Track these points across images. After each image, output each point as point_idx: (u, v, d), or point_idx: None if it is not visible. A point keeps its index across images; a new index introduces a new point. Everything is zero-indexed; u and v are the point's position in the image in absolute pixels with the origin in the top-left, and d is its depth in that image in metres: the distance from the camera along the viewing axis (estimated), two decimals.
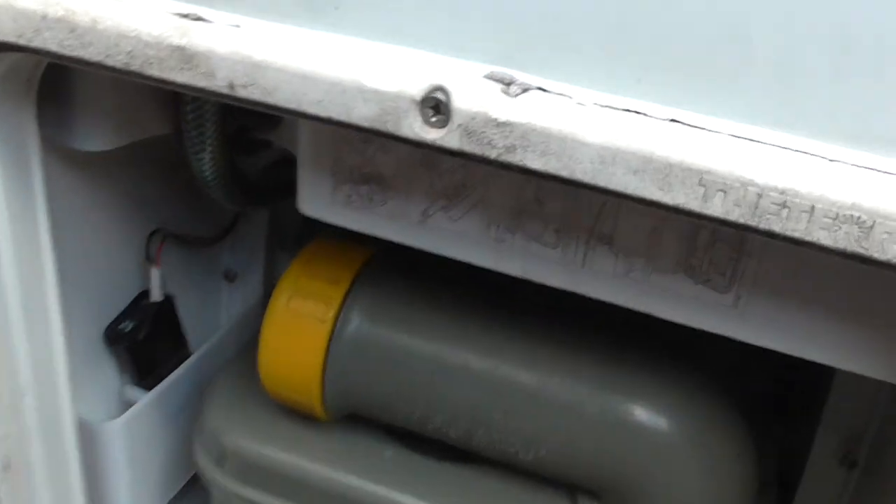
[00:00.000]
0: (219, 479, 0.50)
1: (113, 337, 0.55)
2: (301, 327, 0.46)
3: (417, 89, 0.29)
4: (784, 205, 0.27)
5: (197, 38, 0.31)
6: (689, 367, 0.44)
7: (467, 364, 0.44)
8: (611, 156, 0.28)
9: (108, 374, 0.56)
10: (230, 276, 0.64)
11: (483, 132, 0.29)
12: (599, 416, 0.43)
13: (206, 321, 0.63)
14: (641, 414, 0.42)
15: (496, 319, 0.45)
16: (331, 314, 0.45)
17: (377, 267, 0.48)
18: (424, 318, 0.46)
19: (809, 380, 0.56)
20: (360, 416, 0.50)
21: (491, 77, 0.29)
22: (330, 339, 0.46)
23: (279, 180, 0.53)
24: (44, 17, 0.32)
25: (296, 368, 0.46)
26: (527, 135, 0.29)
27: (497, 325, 0.45)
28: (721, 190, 0.27)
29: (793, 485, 0.54)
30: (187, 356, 0.58)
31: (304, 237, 0.52)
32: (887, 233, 0.26)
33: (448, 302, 0.46)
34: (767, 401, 0.54)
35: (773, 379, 0.56)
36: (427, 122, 0.30)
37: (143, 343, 0.55)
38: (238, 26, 0.31)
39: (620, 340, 0.44)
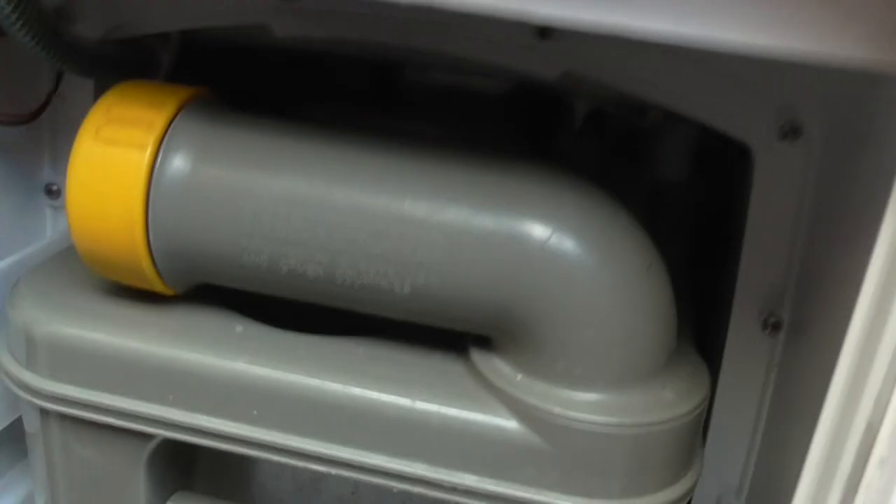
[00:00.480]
0: (29, 383, 0.40)
1: None
2: (116, 160, 0.37)
3: None
4: None
5: None
6: (589, 186, 0.37)
7: (321, 187, 0.36)
8: None
9: None
10: (52, 192, 0.54)
11: None
12: (486, 234, 0.35)
13: (28, 245, 0.52)
14: (538, 228, 0.35)
15: (352, 141, 0.38)
16: (152, 138, 0.37)
17: (205, 99, 0.40)
18: (264, 143, 0.38)
19: (720, 249, 0.51)
20: (204, 292, 0.41)
21: None
22: (151, 174, 0.37)
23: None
24: None
25: (113, 215, 0.37)
26: None
27: (352, 147, 0.38)
28: None
29: (716, 356, 0.48)
30: None
31: None
32: None
33: (291, 129, 0.38)
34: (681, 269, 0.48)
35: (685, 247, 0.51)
36: None
37: None
38: None
39: (506, 157, 0.38)
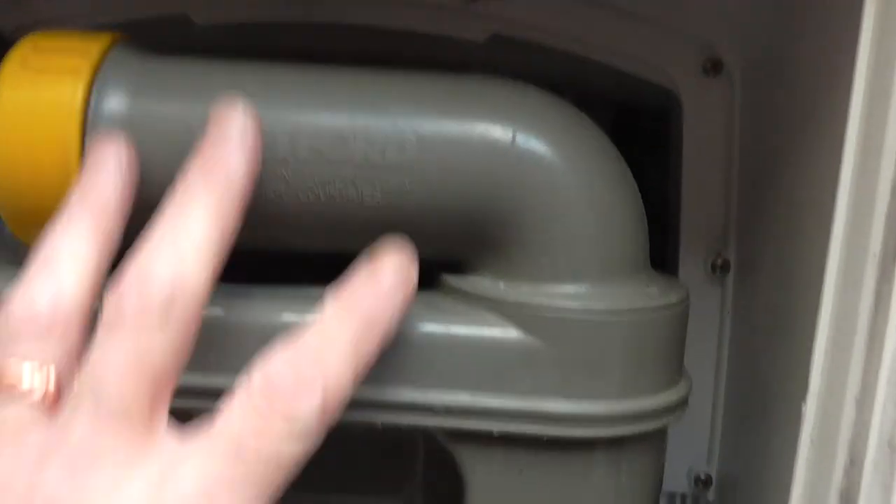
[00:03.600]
0: None
1: None
2: (47, 89, 0.34)
3: None
4: None
5: None
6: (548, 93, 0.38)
7: (276, 98, 0.35)
8: None
9: None
10: None
11: None
12: (456, 134, 0.34)
13: None
14: (504, 127, 0.35)
15: (301, 63, 0.37)
16: (87, 65, 0.34)
17: (132, 44, 0.38)
18: (209, 67, 0.36)
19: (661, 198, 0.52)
20: None
21: None
22: (87, 107, 0.34)
23: None
24: None
25: (44, 154, 0.33)
26: None
27: (303, 66, 0.36)
28: None
29: None
30: None
31: None
32: None
33: (235, 58, 0.37)
34: None
35: None
36: None
37: None
38: None
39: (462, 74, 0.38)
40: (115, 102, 0.34)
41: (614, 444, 0.36)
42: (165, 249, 0.27)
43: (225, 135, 0.30)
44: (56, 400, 0.27)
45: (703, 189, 0.47)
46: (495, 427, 0.35)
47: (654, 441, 0.38)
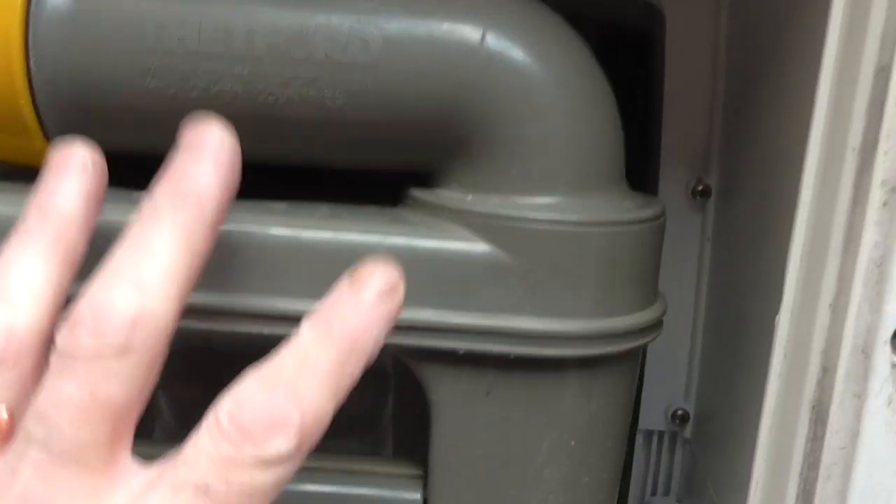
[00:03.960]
0: None
1: None
2: None
3: None
4: None
5: None
6: None
7: None
8: None
9: None
10: None
11: None
12: (423, 34, 0.32)
13: None
14: (473, 27, 0.33)
15: None
16: None
17: None
18: None
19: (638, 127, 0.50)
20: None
21: None
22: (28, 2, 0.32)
23: None
24: None
25: None
26: None
27: None
28: None
29: None
30: None
31: None
32: None
33: None
34: None
35: None
36: None
37: None
38: None
39: None
40: None
41: (586, 364, 0.35)
42: (126, 275, 0.24)
43: (198, 150, 0.26)
44: (9, 433, 0.24)
45: (686, 111, 0.46)
46: (461, 345, 0.33)
47: (628, 364, 0.37)
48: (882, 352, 0.24)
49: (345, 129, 0.33)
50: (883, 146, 0.23)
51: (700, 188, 0.46)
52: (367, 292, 0.26)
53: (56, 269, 0.26)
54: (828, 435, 0.25)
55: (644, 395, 0.52)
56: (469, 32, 0.32)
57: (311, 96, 0.32)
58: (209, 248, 0.26)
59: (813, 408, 0.26)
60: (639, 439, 0.52)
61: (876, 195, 0.23)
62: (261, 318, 0.33)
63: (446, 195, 0.34)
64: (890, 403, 0.24)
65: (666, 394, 0.51)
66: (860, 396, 0.25)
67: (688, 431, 0.51)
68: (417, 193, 0.35)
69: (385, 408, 0.46)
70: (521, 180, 0.33)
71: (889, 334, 0.24)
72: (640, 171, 0.48)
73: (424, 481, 0.37)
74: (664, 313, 0.37)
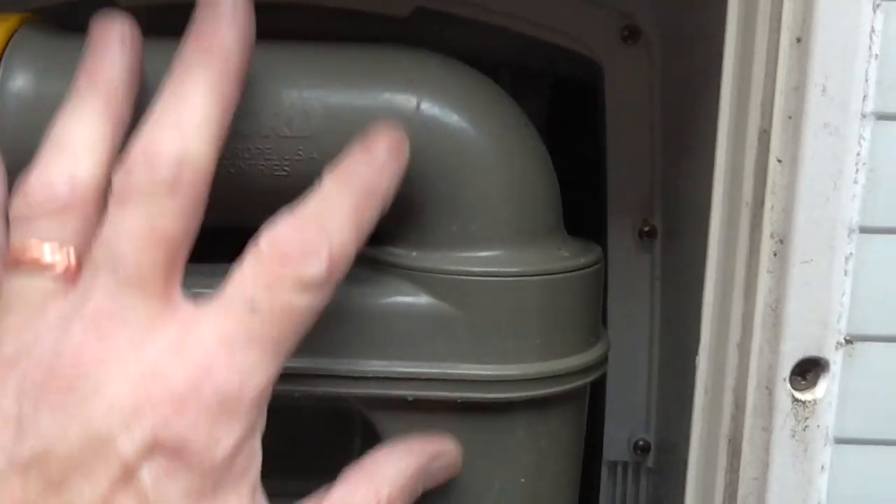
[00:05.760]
0: None
1: None
2: None
3: None
4: None
5: None
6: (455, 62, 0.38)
7: None
8: None
9: None
10: None
11: None
12: (362, 105, 0.35)
13: None
14: (408, 96, 0.35)
15: None
16: None
17: (40, 22, 0.38)
18: None
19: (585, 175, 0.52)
20: None
21: None
22: None
23: None
24: None
25: None
26: None
27: None
28: None
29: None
30: None
31: None
32: None
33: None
34: None
35: None
36: None
37: None
38: None
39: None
40: (20, 82, 0.34)
41: (533, 406, 0.37)
42: (169, 124, 0.27)
43: (217, 11, 0.29)
44: (77, 273, 0.27)
45: (628, 157, 0.48)
46: (410, 393, 0.35)
47: (574, 403, 0.39)
48: (782, 388, 0.26)
49: (292, 196, 0.35)
50: (769, 202, 0.25)
51: (646, 229, 0.48)
52: (377, 150, 0.30)
53: (109, 127, 0.29)
54: (742, 466, 0.27)
55: (607, 426, 0.54)
56: (405, 101, 0.35)
57: (258, 167, 0.35)
58: (237, 96, 0.30)
59: (729, 441, 0.28)
60: (604, 471, 0.54)
61: (766, 245, 0.25)
62: None
63: (391, 252, 0.37)
64: (794, 436, 0.26)
65: (628, 424, 0.53)
66: (767, 430, 0.27)
67: (650, 461, 0.52)
68: (365, 251, 0.37)
69: (352, 450, 0.47)
70: (461, 236, 0.35)
71: (787, 372, 0.26)
72: (591, 213, 0.51)
73: None
74: (607, 352, 0.39)
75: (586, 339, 0.38)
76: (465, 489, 0.37)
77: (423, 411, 0.36)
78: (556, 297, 0.36)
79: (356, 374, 0.35)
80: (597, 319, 0.39)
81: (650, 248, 0.49)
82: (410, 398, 0.35)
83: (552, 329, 0.36)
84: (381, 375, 0.35)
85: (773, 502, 0.27)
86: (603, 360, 0.39)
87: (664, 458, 0.51)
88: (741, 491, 0.27)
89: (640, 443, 0.53)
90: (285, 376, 0.34)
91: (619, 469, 0.54)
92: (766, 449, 0.27)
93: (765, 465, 0.27)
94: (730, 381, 0.27)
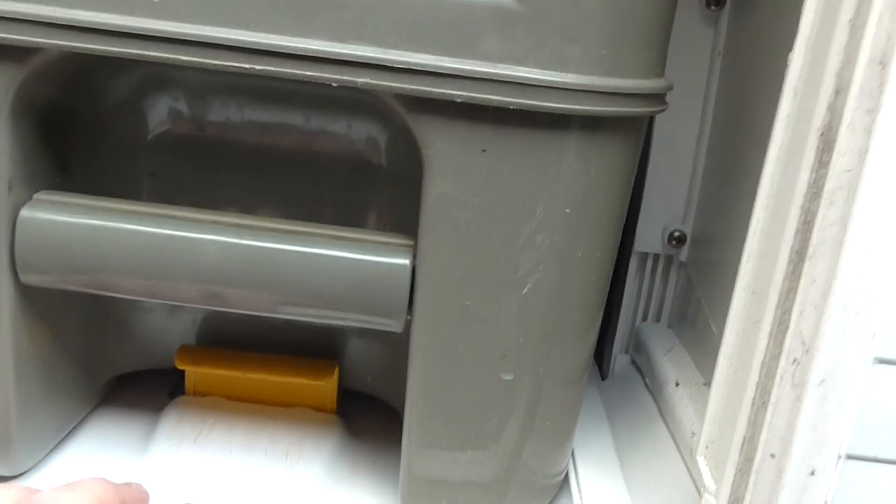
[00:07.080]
0: None
1: None
2: None
3: None
4: None
5: None
6: None
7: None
8: None
9: None
10: None
11: None
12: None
13: None
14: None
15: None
16: None
17: None
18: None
19: None
20: None
21: None
22: None
23: None
24: None
25: None
26: None
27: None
28: None
29: None
30: None
31: None
32: None
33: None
34: None
35: None
36: None
37: None
38: None
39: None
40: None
41: (587, 126, 0.33)
42: None
43: None
44: None
45: None
46: (459, 92, 0.32)
47: (630, 136, 0.35)
48: None
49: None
50: None
51: None
52: None
53: None
54: (834, 159, 0.25)
55: (641, 216, 0.51)
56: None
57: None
58: None
59: (822, 136, 0.25)
60: (633, 262, 0.51)
61: None
62: (234, 51, 0.32)
63: None
64: None
65: (664, 216, 0.50)
66: (873, 112, 0.24)
67: (683, 254, 0.50)
68: None
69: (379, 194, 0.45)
70: None
71: None
72: None
73: (414, 251, 0.36)
74: (669, 90, 0.36)
75: (652, 68, 0.34)
76: (507, 210, 0.34)
77: (469, 118, 0.33)
78: (629, 6, 0.32)
79: (402, 66, 0.32)
80: (664, 50, 0.35)
81: (715, 19, 0.46)
82: (459, 99, 0.32)
83: (619, 43, 0.33)
84: (430, 69, 0.32)
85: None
86: (663, 96, 0.35)
87: (700, 252, 0.49)
88: (829, 185, 0.25)
89: (676, 234, 0.50)
90: (332, 62, 0.32)
91: (650, 261, 0.52)
92: (868, 133, 0.24)
93: (863, 153, 0.24)
94: (833, 64, 0.24)
